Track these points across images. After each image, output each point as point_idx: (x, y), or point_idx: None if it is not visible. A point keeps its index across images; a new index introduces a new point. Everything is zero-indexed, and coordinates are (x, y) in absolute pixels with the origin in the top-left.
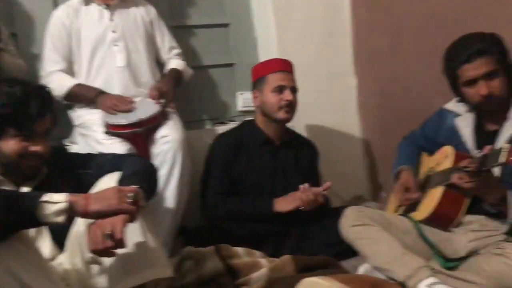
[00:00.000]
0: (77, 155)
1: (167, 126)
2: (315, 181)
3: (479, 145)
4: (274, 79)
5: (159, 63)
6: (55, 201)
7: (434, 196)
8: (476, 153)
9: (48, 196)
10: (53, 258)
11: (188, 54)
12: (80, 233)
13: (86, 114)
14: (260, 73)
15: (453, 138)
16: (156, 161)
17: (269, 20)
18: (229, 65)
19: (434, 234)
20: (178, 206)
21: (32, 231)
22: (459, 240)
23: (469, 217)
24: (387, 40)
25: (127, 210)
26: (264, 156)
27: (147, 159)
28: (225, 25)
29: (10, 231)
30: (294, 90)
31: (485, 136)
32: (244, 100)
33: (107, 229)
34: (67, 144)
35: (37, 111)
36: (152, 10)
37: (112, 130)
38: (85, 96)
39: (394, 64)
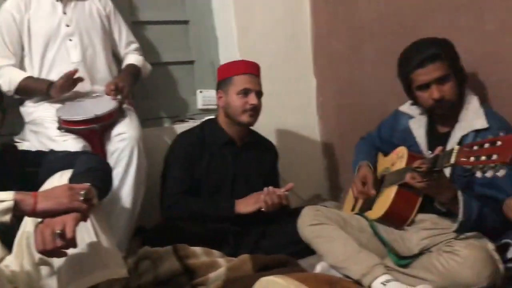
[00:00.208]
0: (27, 152)
1: (123, 123)
2: (275, 182)
3: (431, 146)
4: (240, 81)
5: (117, 59)
6: (1, 200)
7: (388, 196)
8: (428, 154)
9: None
10: (0, 260)
11: (147, 50)
12: (29, 233)
13: (37, 111)
14: (227, 74)
15: (407, 139)
16: (111, 159)
17: (230, 19)
18: (189, 62)
19: (388, 232)
20: (134, 206)
21: None
22: (411, 238)
23: (422, 216)
24: (346, 42)
25: (79, 209)
26: (226, 156)
27: (102, 157)
28: (185, 22)
29: None
30: (259, 94)
31: (437, 138)
32: (204, 98)
33: (57, 228)
34: (18, 141)
35: None
36: (109, 3)
37: (66, 126)
38: (37, 88)
39: (352, 66)
